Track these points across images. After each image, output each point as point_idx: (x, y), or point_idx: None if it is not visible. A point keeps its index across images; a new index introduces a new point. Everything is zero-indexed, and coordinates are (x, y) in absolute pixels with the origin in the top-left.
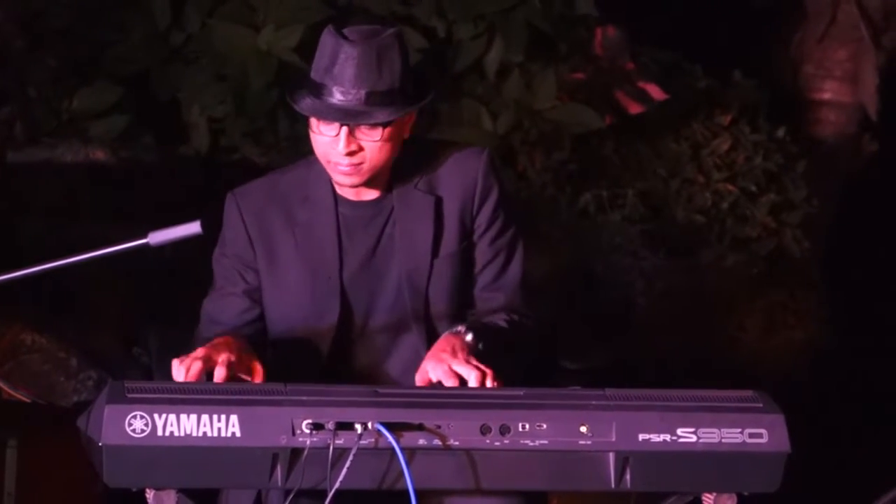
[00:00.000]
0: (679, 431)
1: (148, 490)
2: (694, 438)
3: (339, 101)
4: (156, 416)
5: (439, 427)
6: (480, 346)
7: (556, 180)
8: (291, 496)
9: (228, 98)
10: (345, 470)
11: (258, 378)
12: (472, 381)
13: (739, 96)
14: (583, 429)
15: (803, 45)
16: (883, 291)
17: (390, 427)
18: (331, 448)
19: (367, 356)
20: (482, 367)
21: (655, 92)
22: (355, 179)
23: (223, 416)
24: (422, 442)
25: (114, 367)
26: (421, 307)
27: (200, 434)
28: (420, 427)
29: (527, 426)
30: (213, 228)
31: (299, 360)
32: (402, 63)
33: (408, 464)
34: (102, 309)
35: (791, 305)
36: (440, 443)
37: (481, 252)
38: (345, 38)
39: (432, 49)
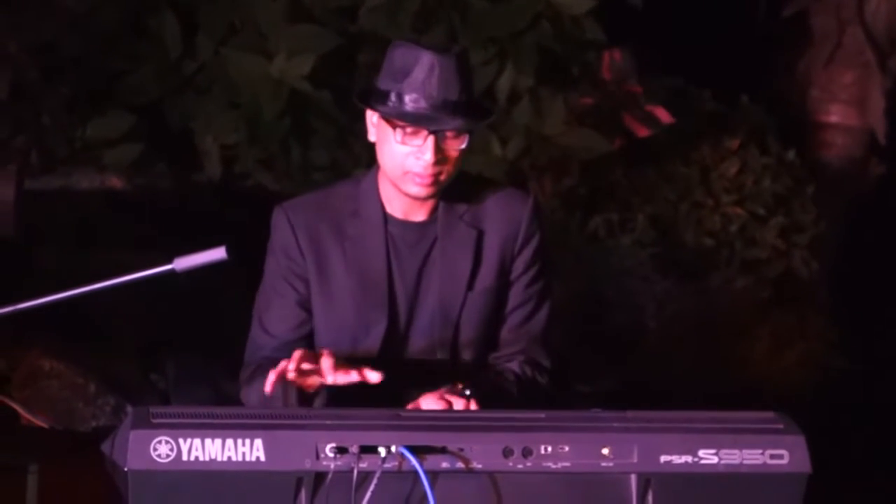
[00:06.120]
0: (700, 453)
1: None
2: (715, 460)
3: (424, 108)
4: (181, 440)
5: (462, 450)
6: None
7: (565, 205)
8: None
9: (241, 126)
10: (369, 493)
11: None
12: (458, 405)
13: (747, 120)
14: (605, 451)
15: (810, 69)
16: (890, 312)
17: (414, 450)
18: (355, 472)
19: (401, 379)
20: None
21: (663, 115)
22: (432, 190)
23: (248, 441)
24: (445, 465)
25: (131, 392)
26: (450, 337)
27: (225, 458)
28: (443, 450)
29: (549, 448)
30: (232, 255)
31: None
32: (471, 75)
33: (431, 487)
34: (120, 335)
35: (800, 327)
36: (463, 465)
37: (514, 294)
38: (425, 48)
39: None
